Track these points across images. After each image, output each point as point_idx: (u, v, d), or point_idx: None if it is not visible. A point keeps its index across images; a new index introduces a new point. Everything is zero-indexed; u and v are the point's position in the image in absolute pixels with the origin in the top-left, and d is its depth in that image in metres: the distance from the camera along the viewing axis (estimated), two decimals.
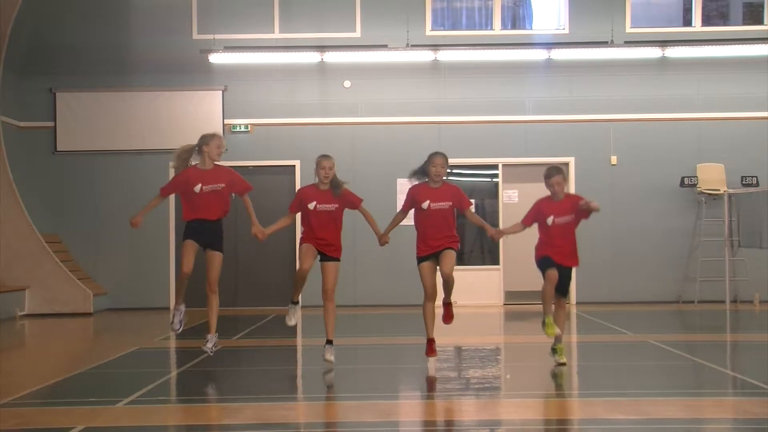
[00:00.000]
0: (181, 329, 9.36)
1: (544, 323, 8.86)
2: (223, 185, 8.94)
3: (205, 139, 8.99)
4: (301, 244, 9.10)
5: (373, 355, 10.37)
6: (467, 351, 10.57)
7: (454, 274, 8.83)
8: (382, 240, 9.08)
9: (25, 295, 15.29)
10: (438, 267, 8.88)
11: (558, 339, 8.96)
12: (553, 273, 8.72)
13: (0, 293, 14.58)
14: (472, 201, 10.43)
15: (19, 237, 15.24)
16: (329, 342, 9.01)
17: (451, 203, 8.87)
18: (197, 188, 8.84)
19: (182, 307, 9.34)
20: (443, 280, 8.84)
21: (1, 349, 11.42)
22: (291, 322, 9.36)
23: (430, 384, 8.60)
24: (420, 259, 8.96)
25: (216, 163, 9.01)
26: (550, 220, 8.79)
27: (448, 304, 9.15)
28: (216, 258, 8.96)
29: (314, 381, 8.85)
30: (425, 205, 8.82)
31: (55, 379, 8.71)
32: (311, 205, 8.87)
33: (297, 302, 9.38)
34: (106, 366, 9.56)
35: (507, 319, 14.64)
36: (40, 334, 13.27)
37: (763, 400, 7.28)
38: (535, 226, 9.02)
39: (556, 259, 8.79)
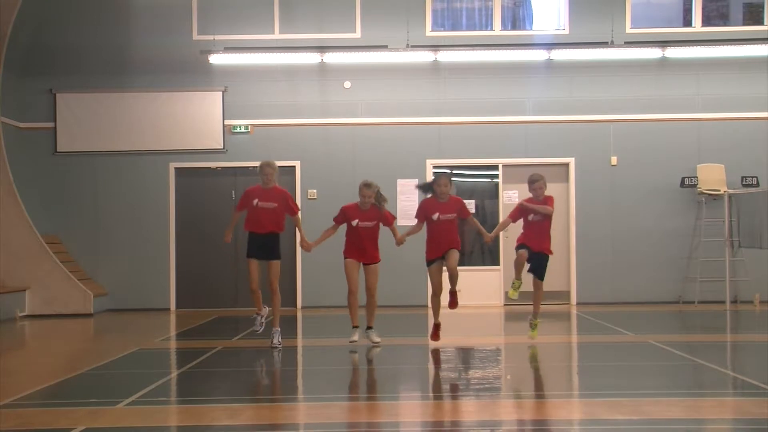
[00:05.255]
0: (262, 330, 10.82)
1: (512, 284, 10.78)
2: (275, 205, 10.35)
3: (260, 164, 10.49)
4: (345, 258, 10.55)
5: (373, 355, 10.36)
6: (468, 351, 10.56)
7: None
8: (399, 241, 10.59)
9: (26, 295, 15.30)
10: (444, 264, 10.36)
11: (534, 315, 10.81)
12: (522, 252, 10.49)
13: (0, 294, 14.59)
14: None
15: (19, 237, 15.25)
16: (370, 327, 10.67)
17: (455, 214, 10.39)
18: (255, 202, 10.34)
19: (264, 311, 10.73)
20: (449, 273, 10.27)
21: (2, 350, 11.42)
22: (354, 337, 10.59)
23: (430, 384, 8.61)
24: (429, 262, 10.48)
25: (276, 184, 10.44)
26: (531, 216, 10.53)
27: (453, 293, 10.49)
28: (272, 265, 10.42)
29: (315, 381, 8.86)
30: (435, 216, 10.35)
31: (56, 379, 8.71)
32: (354, 222, 10.48)
33: (357, 327, 10.64)
34: (107, 367, 9.57)
35: (507, 319, 14.63)
36: (40, 334, 13.27)
37: (763, 401, 7.28)
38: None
39: (531, 246, 10.50)
